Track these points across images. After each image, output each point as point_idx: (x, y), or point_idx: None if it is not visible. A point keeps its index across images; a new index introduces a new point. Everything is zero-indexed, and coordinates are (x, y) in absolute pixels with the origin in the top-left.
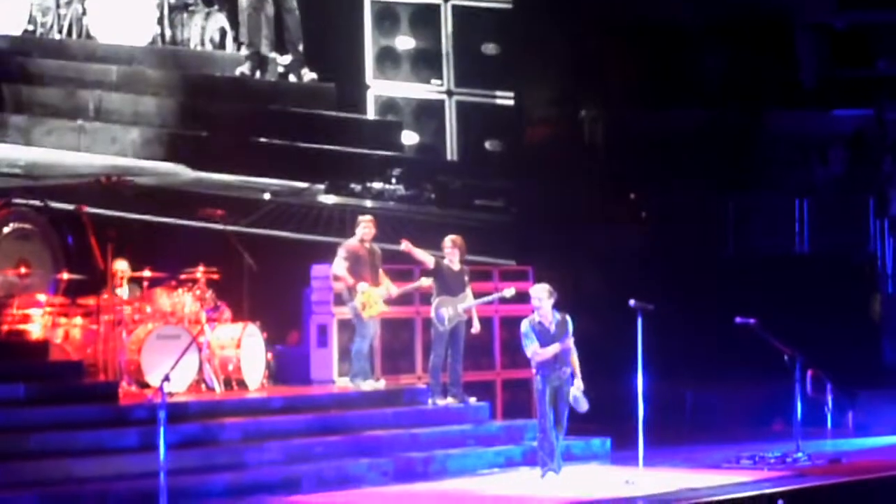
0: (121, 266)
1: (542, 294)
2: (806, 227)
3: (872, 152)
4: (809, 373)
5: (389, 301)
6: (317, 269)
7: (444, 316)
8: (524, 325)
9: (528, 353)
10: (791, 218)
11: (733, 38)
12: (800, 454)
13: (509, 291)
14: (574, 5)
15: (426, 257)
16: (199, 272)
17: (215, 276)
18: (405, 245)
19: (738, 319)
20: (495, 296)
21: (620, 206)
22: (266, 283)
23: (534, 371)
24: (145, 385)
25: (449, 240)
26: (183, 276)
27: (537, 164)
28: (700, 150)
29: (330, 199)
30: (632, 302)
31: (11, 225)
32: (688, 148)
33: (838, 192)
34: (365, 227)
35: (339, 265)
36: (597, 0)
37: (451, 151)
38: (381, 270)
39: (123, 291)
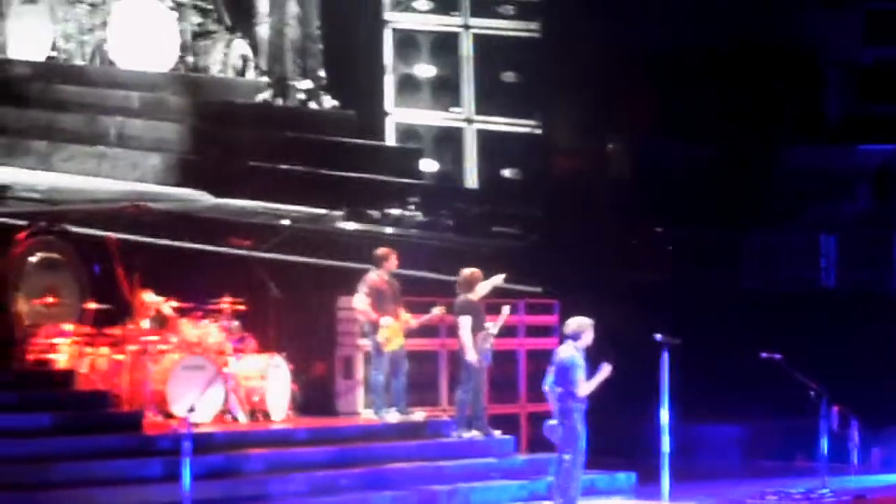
0: (149, 297)
1: (590, 327)
2: (832, 263)
3: None
4: (835, 408)
5: (409, 333)
6: (342, 301)
7: (485, 352)
8: (575, 356)
9: (578, 385)
10: (816, 253)
11: (762, 71)
12: (825, 490)
13: (506, 310)
14: (600, 34)
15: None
16: (225, 302)
17: (241, 307)
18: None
19: (763, 354)
20: (500, 320)
21: (646, 240)
22: (291, 313)
23: (571, 405)
24: (170, 415)
25: (470, 273)
26: (209, 307)
27: (560, 193)
28: (726, 184)
29: (349, 226)
30: (658, 336)
31: (38, 255)
32: (713, 181)
33: (864, 228)
34: (390, 261)
35: (362, 300)
36: (623, 29)
37: (470, 179)
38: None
39: (147, 322)
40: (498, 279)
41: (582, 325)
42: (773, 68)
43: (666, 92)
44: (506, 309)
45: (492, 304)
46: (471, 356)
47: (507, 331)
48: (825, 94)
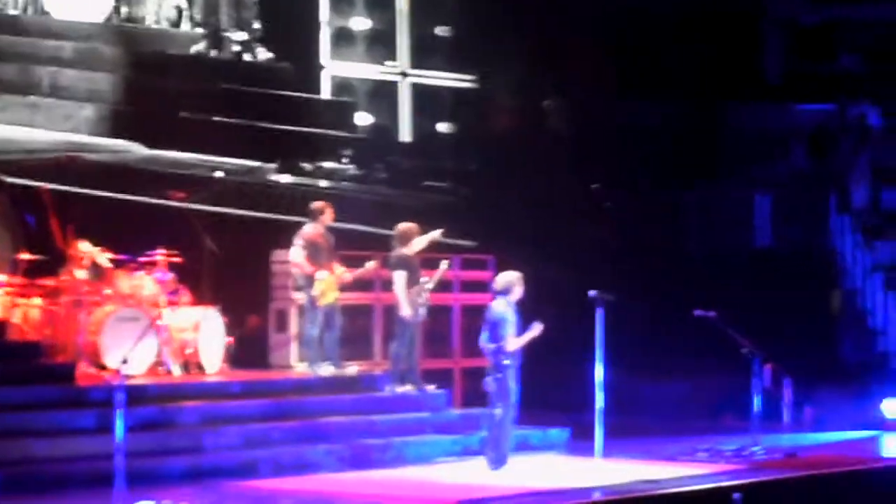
0: (85, 247)
1: (519, 282)
2: (767, 222)
3: (834, 147)
4: (768, 367)
5: (343, 287)
6: (277, 254)
7: (420, 307)
8: (506, 311)
9: (508, 340)
10: (752, 212)
11: (700, 31)
12: (756, 448)
13: (444, 264)
14: None
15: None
16: (160, 254)
17: (176, 259)
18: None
19: (697, 312)
20: (438, 273)
21: (584, 197)
22: (226, 265)
23: (502, 360)
24: (103, 367)
25: (407, 227)
26: (144, 259)
27: (497, 149)
28: (663, 143)
29: (282, 179)
30: (592, 293)
31: None
32: (651, 140)
33: (800, 187)
34: (326, 215)
35: (298, 253)
36: None
37: (405, 133)
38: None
39: (82, 273)
40: (435, 234)
41: (511, 280)
42: (714, 28)
43: (606, 50)
44: (443, 264)
45: (427, 259)
46: (405, 311)
47: (442, 286)
48: (764, 53)
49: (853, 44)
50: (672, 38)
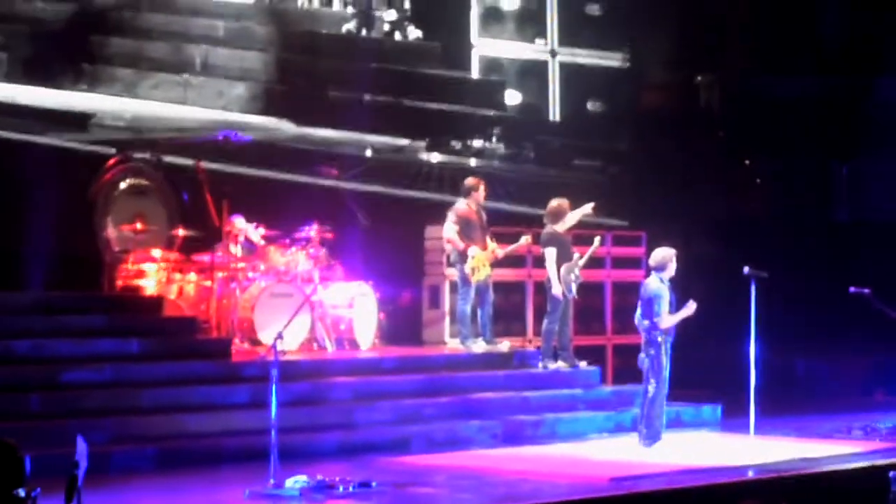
0: (239, 223)
1: (673, 259)
2: None
3: None
4: None
5: (495, 263)
6: (430, 231)
7: (572, 283)
8: (661, 287)
9: (662, 317)
10: None
11: (853, 4)
12: None
13: (597, 241)
14: None
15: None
16: (313, 231)
17: (329, 235)
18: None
19: (852, 289)
20: (591, 250)
21: (735, 173)
22: (379, 241)
23: (656, 337)
24: (258, 342)
25: (558, 203)
26: (297, 235)
27: (647, 127)
28: (815, 117)
29: (432, 157)
30: (746, 269)
31: (128, 181)
32: (803, 114)
33: None
34: (479, 191)
35: (451, 229)
36: None
37: (554, 112)
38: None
39: (236, 249)
40: (587, 209)
41: (666, 257)
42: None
43: (758, 23)
44: (596, 240)
45: (578, 236)
46: (556, 289)
47: (594, 262)
48: None
49: None
50: (826, 10)
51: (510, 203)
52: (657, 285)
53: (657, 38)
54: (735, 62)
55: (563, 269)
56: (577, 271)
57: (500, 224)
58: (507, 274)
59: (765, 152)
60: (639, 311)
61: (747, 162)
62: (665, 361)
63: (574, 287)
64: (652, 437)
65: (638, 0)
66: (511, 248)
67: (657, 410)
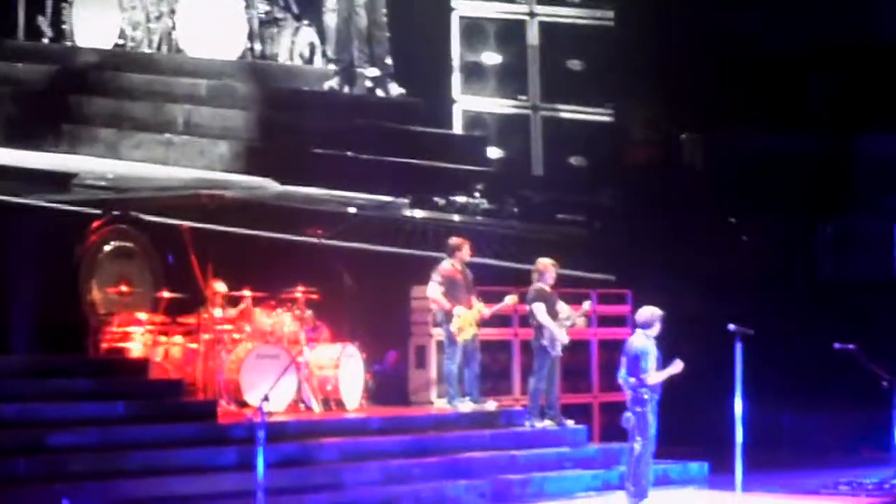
0: (219, 287)
1: (661, 319)
2: None
3: None
4: None
5: (481, 323)
6: (415, 290)
7: (559, 342)
8: (647, 344)
9: (649, 374)
10: (890, 243)
11: (838, 62)
12: None
13: (587, 304)
14: (672, 24)
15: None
16: (299, 292)
17: (314, 296)
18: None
19: (837, 345)
20: (583, 310)
21: (721, 230)
22: (365, 301)
23: (642, 394)
24: (244, 404)
25: (549, 263)
26: (283, 296)
27: (631, 182)
28: (801, 174)
29: (415, 213)
30: (731, 326)
31: (112, 243)
32: (788, 172)
33: None
34: (463, 251)
35: (435, 289)
36: (697, 18)
37: (537, 166)
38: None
39: (218, 311)
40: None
41: (653, 315)
42: (851, 60)
43: (741, 82)
44: (587, 304)
45: (565, 295)
46: (549, 339)
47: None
48: None
49: None
50: (808, 70)
51: (494, 259)
52: (644, 342)
53: (641, 93)
54: (720, 119)
55: (550, 326)
56: (564, 330)
57: (486, 283)
58: (494, 333)
59: (750, 210)
60: (623, 368)
61: (733, 220)
62: (651, 419)
63: (559, 345)
64: (639, 495)
65: (621, 56)
66: (497, 307)
67: (644, 468)
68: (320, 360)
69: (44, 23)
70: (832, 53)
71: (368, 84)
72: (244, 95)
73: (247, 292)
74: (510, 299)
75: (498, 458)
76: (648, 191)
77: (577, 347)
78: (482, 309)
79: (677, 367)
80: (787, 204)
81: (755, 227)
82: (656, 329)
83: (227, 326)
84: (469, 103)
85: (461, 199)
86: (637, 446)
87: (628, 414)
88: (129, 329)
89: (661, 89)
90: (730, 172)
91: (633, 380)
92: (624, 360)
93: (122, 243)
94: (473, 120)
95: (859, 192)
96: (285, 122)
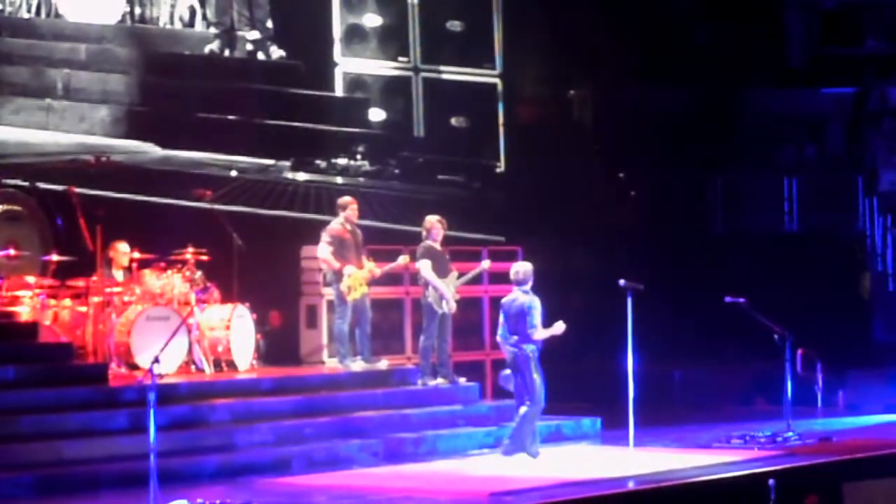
0: (123, 248)
1: (531, 272)
2: (795, 206)
3: (861, 130)
4: (799, 352)
5: (372, 282)
6: (305, 251)
7: (445, 299)
8: (533, 298)
9: (537, 329)
10: (780, 196)
11: (723, 16)
12: (790, 433)
13: (486, 264)
14: None
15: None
16: (188, 253)
17: (204, 257)
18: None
19: (727, 298)
20: (477, 270)
21: (609, 186)
22: (255, 263)
23: (526, 352)
24: (135, 367)
25: (435, 220)
26: (172, 258)
27: (521, 141)
28: (688, 129)
29: (297, 176)
30: (622, 282)
31: (0, 206)
32: (676, 126)
33: (827, 171)
34: (350, 210)
35: (325, 249)
36: None
37: (418, 128)
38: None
39: (119, 273)
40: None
41: (528, 271)
42: (737, 13)
43: (627, 37)
44: (485, 263)
45: (456, 252)
46: (435, 296)
47: (474, 279)
48: (788, 37)
49: (878, 26)
50: (695, 24)
51: (377, 220)
52: (527, 298)
53: (526, 52)
54: (607, 75)
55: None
56: (452, 288)
57: (377, 242)
58: (385, 291)
59: (639, 165)
60: (503, 327)
61: (622, 175)
62: (537, 377)
63: (447, 304)
64: (513, 451)
65: (504, 15)
66: (389, 266)
67: (527, 427)
68: (211, 321)
69: None
70: (719, 6)
71: (249, 47)
72: (124, 59)
73: (136, 254)
74: (403, 259)
75: (390, 417)
76: (536, 149)
77: (468, 305)
78: (373, 268)
79: (559, 328)
80: (675, 158)
81: (644, 182)
82: (530, 284)
83: (117, 289)
84: (350, 66)
85: (342, 161)
86: (524, 409)
87: (507, 372)
88: (18, 293)
89: (547, 47)
90: (618, 128)
91: (514, 337)
92: (502, 318)
93: (10, 206)
94: (355, 82)
95: (747, 147)
96: (166, 86)
